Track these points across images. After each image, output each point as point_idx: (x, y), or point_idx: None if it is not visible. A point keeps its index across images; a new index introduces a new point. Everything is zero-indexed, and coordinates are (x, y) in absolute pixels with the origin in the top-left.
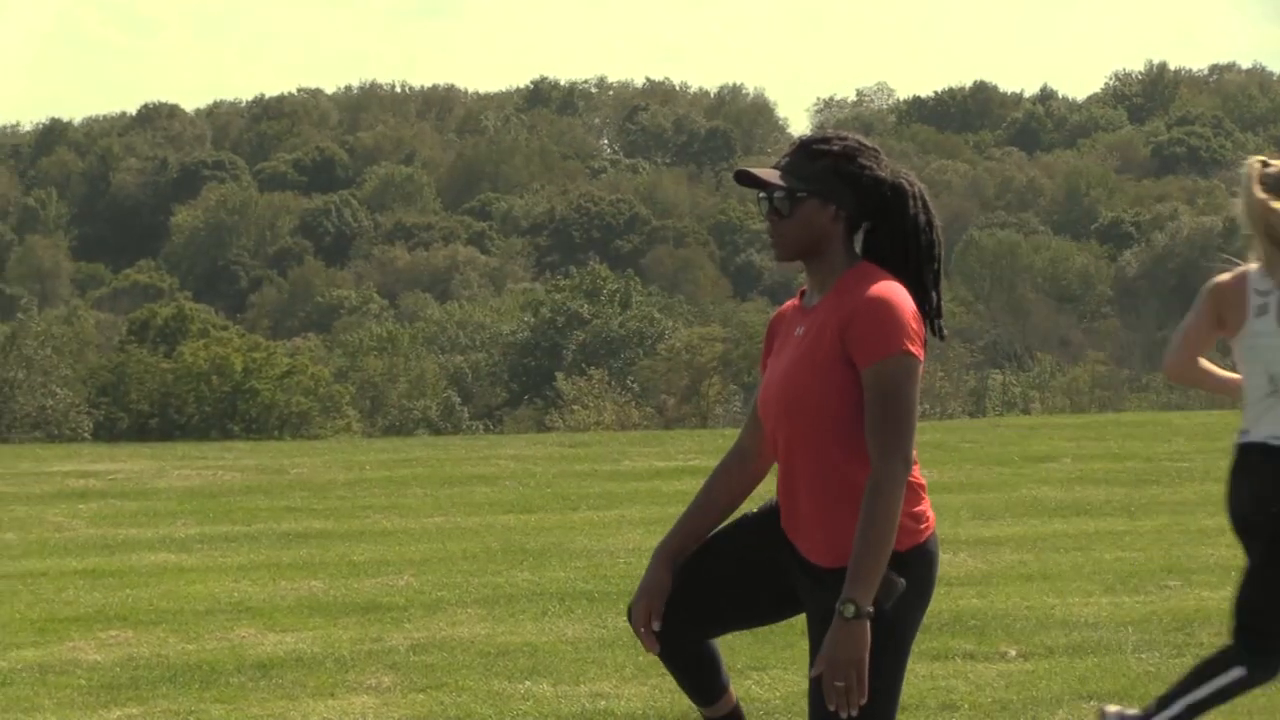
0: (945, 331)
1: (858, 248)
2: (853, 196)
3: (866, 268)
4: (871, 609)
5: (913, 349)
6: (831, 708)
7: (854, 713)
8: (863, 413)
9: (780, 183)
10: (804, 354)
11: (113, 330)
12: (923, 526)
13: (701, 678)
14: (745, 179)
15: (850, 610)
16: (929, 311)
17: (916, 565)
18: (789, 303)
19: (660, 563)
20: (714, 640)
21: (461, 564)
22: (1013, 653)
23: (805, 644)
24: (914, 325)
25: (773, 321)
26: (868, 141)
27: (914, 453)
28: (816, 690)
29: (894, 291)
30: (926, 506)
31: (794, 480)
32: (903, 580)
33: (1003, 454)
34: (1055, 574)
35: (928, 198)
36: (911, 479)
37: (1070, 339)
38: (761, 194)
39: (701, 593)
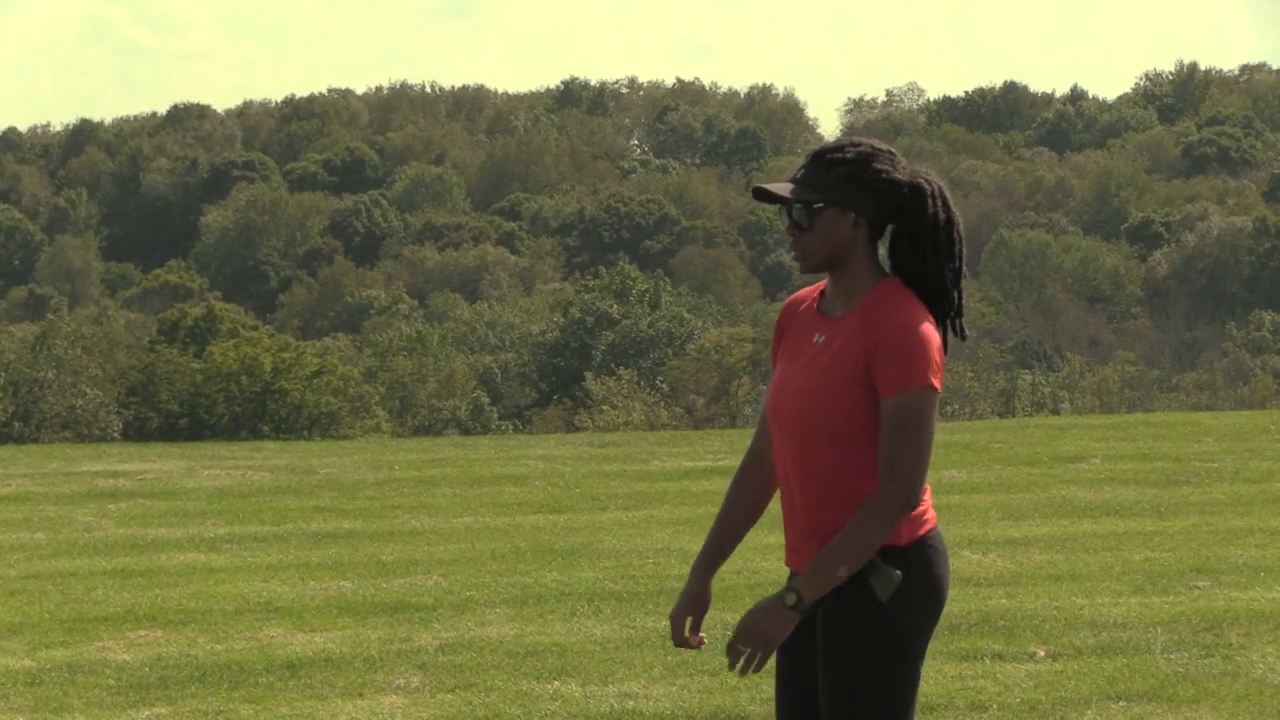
0: (967, 332)
1: (882, 252)
2: (871, 202)
3: (892, 287)
4: (812, 607)
5: (935, 382)
6: (730, 664)
7: (743, 673)
8: (877, 431)
9: (797, 195)
10: (823, 373)
11: (142, 330)
12: (924, 519)
13: None
14: (763, 196)
15: (791, 599)
16: (949, 310)
17: (917, 560)
18: (806, 291)
19: (698, 576)
20: None
21: (490, 564)
22: (1041, 653)
23: None
24: (938, 358)
25: (786, 309)
26: (882, 145)
27: (927, 489)
28: (830, 698)
29: (921, 321)
30: (928, 504)
31: (801, 493)
32: (899, 573)
33: (1032, 454)
34: (1084, 574)
35: (948, 195)
36: None
37: (1100, 339)
38: (781, 207)
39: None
